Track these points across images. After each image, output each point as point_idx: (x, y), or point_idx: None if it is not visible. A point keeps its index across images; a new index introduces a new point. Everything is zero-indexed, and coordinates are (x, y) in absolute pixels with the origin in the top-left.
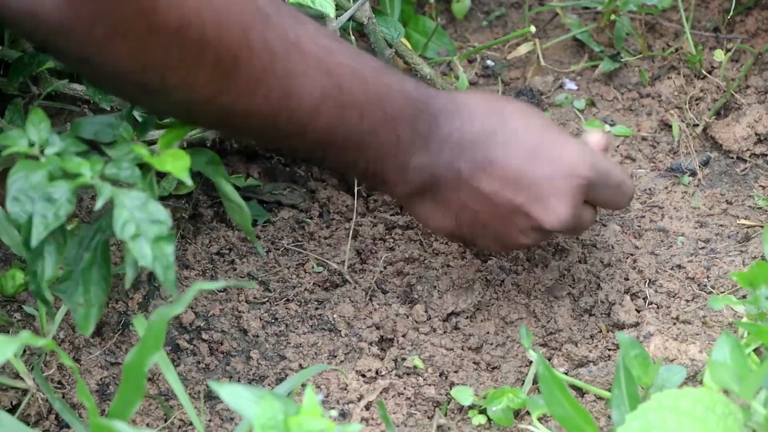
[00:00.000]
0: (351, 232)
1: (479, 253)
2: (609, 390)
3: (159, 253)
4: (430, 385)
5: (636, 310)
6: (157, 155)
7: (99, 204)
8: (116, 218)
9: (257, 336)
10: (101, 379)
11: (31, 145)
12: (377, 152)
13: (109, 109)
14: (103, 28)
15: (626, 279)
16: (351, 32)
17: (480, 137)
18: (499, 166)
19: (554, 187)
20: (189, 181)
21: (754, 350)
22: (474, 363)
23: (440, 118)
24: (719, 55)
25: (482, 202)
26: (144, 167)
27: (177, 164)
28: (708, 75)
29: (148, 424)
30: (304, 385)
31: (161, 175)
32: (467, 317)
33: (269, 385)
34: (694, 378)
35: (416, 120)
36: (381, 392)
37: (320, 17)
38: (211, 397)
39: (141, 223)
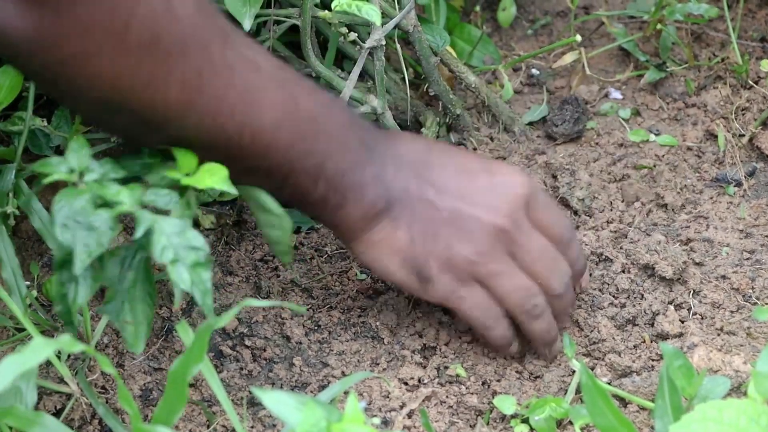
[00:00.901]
0: None
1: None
2: (652, 400)
3: (197, 279)
4: (472, 393)
5: (680, 320)
6: (192, 174)
7: (139, 233)
8: (155, 243)
9: (300, 343)
10: (144, 384)
11: (71, 171)
12: (335, 170)
13: None
14: (73, 47)
15: (670, 289)
16: (396, 40)
17: (422, 158)
18: (441, 181)
19: (495, 194)
20: (233, 190)
21: None
22: (517, 372)
23: (387, 139)
24: (766, 65)
25: (432, 210)
26: (181, 189)
27: (215, 178)
28: (754, 85)
29: (190, 430)
30: (346, 393)
31: None
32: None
33: (312, 392)
34: (738, 389)
35: (366, 137)
36: (423, 400)
37: (366, 25)
38: (254, 403)
39: (179, 250)
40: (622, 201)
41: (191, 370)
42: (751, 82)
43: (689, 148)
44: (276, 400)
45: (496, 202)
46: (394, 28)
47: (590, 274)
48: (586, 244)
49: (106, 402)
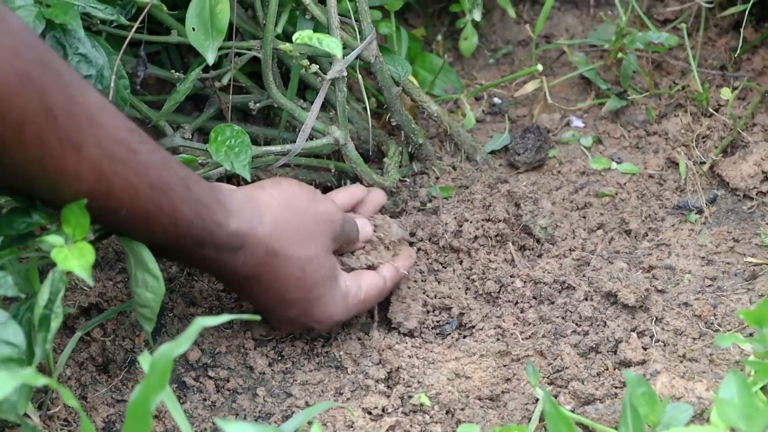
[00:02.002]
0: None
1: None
2: (616, 428)
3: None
4: (436, 422)
5: (643, 347)
6: (68, 245)
7: None
8: None
9: (263, 373)
10: (107, 416)
11: None
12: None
13: None
14: None
15: (633, 317)
16: (358, 70)
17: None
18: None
19: (317, 223)
20: (90, 282)
21: (761, 388)
22: (480, 400)
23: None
24: (726, 93)
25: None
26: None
27: (81, 262)
28: (715, 113)
29: None
30: (310, 423)
31: None
32: (473, 355)
33: (276, 422)
34: (701, 416)
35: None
36: (387, 430)
37: (327, 56)
38: None
39: None
40: (585, 229)
41: (153, 400)
42: (711, 110)
43: (651, 176)
44: (239, 431)
45: (315, 234)
46: (356, 58)
47: (552, 302)
48: (549, 272)
49: None
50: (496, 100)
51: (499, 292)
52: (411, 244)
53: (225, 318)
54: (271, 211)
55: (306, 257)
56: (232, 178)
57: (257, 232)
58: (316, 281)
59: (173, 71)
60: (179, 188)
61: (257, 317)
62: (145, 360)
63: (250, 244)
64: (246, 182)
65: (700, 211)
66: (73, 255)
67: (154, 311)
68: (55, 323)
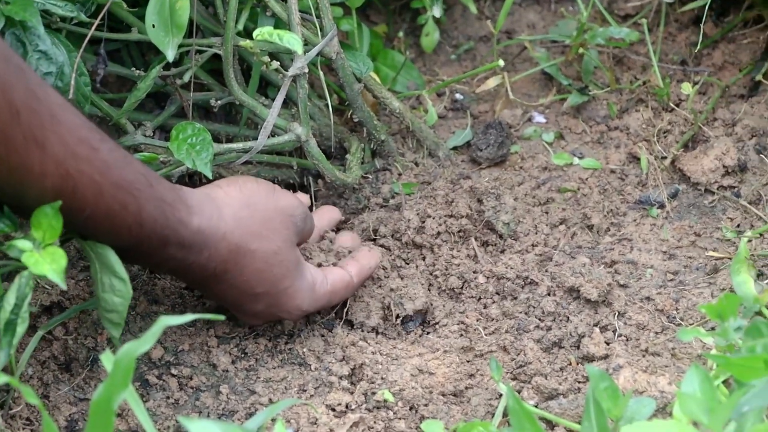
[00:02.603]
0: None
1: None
2: (579, 422)
3: None
4: (400, 418)
5: (605, 342)
6: (38, 250)
7: None
8: None
9: (227, 371)
10: (70, 415)
11: None
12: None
13: None
14: None
15: (595, 312)
16: (319, 67)
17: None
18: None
19: (279, 217)
20: (63, 286)
21: (723, 382)
22: (443, 396)
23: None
24: (687, 88)
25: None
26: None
27: (53, 266)
28: (676, 108)
29: None
30: (274, 420)
31: None
32: (437, 351)
33: (239, 419)
34: (663, 410)
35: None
36: (351, 426)
37: (289, 52)
38: None
39: None
40: (547, 224)
41: (116, 398)
42: (672, 105)
43: (612, 171)
44: (203, 429)
45: (279, 225)
46: (317, 55)
47: (515, 298)
48: (512, 268)
49: None
50: (458, 96)
51: (462, 287)
52: (374, 240)
53: (189, 317)
54: (231, 209)
55: (270, 251)
56: (194, 176)
57: (219, 230)
58: (282, 273)
59: (134, 69)
60: (143, 186)
61: (221, 317)
62: (107, 359)
63: (213, 241)
64: (208, 181)
65: (661, 206)
66: (44, 259)
67: (122, 316)
68: (21, 328)
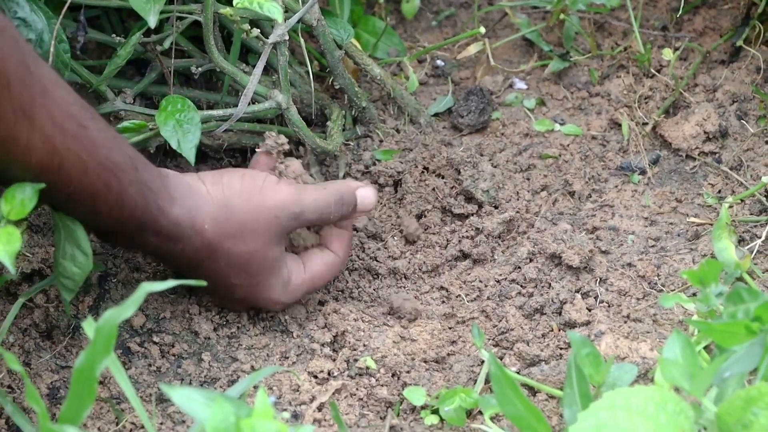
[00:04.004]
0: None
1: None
2: (561, 389)
3: None
4: (382, 385)
5: (587, 308)
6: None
7: None
8: None
9: (209, 338)
10: (52, 382)
11: None
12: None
13: None
14: None
15: (577, 278)
16: (300, 34)
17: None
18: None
19: (261, 218)
20: (12, 269)
21: (705, 348)
22: (425, 363)
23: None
24: (668, 54)
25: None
26: None
27: (7, 248)
28: (657, 74)
29: (99, 428)
30: (256, 387)
31: None
32: (419, 317)
33: (221, 387)
34: (645, 376)
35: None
36: (333, 393)
37: (269, 19)
38: (162, 399)
39: None
40: (528, 191)
41: (98, 365)
42: (653, 71)
43: (594, 137)
44: (185, 397)
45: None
46: (298, 22)
47: (495, 261)
48: (493, 235)
49: (14, 401)
50: (439, 62)
51: (442, 256)
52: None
53: (170, 284)
54: (211, 207)
55: (245, 252)
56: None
57: (195, 225)
58: (256, 270)
59: (114, 35)
60: (128, 169)
61: (203, 282)
62: (89, 326)
63: (188, 235)
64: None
65: (643, 172)
66: (0, 238)
67: (77, 284)
68: None
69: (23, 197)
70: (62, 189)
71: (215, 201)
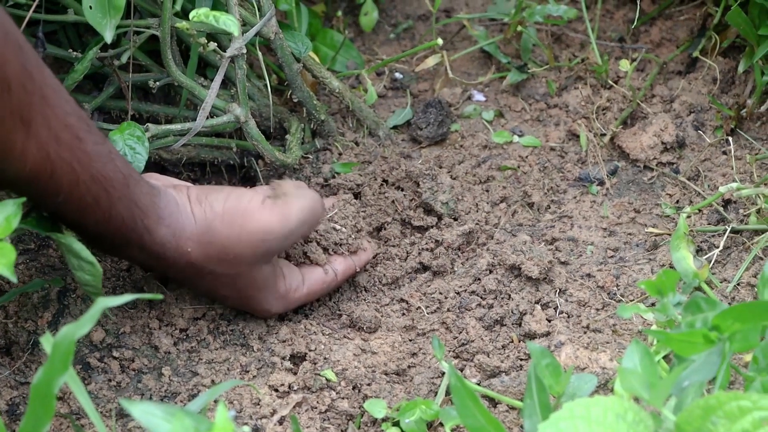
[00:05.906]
0: None
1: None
2: (521, 400)
3: None
4: (343, 398)
5: (547, 319)
6: None
7: None
8: None
9: (169, 353)
10: (11, 399)
11: None
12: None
13: None
14: None
15: (537, 289)
16: (258, 47)
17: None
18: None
19: (245, 241)
20: (13, 278)
21: (664, 357)
22: (386, 375)
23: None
24: (625, 65)
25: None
26: None
27: (3, 261)
28: (614, 85)
29: None
30: (216, 401)
31: None
32: (379, 330)
33: (181, 401)
34: (605, 386)
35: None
36: (294, 406)
37: (227, 33)
38: (123, 415)
39: None
40: (488, 202)
41: (56, 382)
42: (611, 82)
43: (552, 149)
44: (145, 412)
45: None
46: (256, 35)
47: (456, 275)
48: (453, 247)
49: None
50: (397, 75)
51: (402, 268)
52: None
53: (127, 298)
54: (196, 228)
55: (233, 273)
56: None
57: (179, 248)
58: (246, 286)
59: (71, 50)
60: (119, 185)
61: (160, 296)
62: (47, 341)
63: (172, 257)
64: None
65: (601, 183)
66: None
67: (98, 287)
68: None
69: (8, 214)
70: (52, 196)
71: (198, 222)
